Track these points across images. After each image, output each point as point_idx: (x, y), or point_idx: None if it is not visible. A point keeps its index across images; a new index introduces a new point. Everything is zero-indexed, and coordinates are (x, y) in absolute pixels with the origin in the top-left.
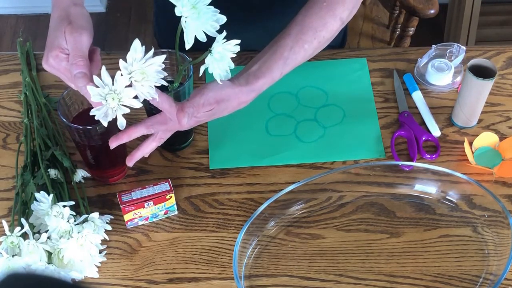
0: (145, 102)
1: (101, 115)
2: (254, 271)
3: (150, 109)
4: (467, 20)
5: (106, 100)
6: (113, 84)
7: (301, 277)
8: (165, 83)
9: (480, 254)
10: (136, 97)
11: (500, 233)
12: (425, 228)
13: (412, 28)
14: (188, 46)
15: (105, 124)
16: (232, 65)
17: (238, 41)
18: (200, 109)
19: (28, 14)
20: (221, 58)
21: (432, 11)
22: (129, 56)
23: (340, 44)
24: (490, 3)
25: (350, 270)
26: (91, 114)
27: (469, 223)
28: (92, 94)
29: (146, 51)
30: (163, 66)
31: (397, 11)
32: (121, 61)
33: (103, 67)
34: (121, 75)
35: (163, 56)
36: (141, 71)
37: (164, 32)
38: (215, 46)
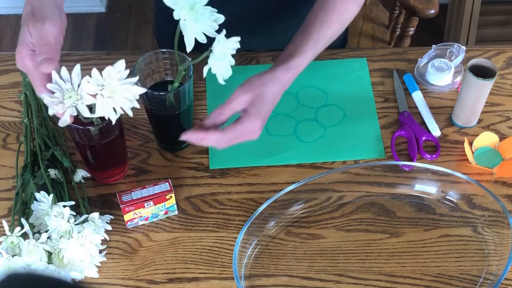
0: (145, 101)
1: (53, 103)
2: (254, 271)
3: (150, 109)
4: (467, 20)
5: (63, 96)
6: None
7: (301, 277)
8: (130, 113)
9: (480, 254)
10: (90, 109)
11: (500, 233)
12: (425, 228)
13: (412, 28)
14: (189, 48)
15: (50, 112)
16: (233, 62)
17: (238, 38)
18: (234, 101)
19: None
20: (223, 57)
21: (432, 11)
22: (106, 70)
23: (341, 44)
24: (490, 3)
25: (350, 270)
26: (43, 97)
27: (469, 223)
28: (52, 87)
29: (147, 52)
30: (137, 97)
31: (397, 11)
32: (94, 70)
33: (63, 68)
34: (88, 82)
35: (142, 89)
36: (112, 89)
37: (164, 32)
38: (216, 46)
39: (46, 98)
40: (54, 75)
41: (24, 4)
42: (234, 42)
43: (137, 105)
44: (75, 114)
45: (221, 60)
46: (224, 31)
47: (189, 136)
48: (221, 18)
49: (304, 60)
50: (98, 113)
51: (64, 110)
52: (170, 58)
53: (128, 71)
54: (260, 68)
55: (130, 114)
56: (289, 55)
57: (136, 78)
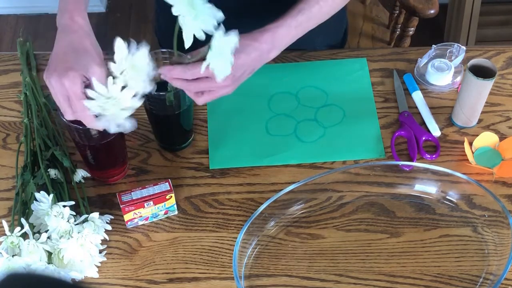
0: (145, 101)
1: (106, 124)
2: (254, 271)
3: (150, 109)
4: (467, 20)
5: (107, 109)
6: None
7: (301, 277)
8: (156, 72)
9: (480, 254)
10: (134, 96)
11: (500, 233)
12: (425, 228)
13: (412, 28)
14: (187, 44)
15: (113, 131)
16: (232, 61)
17: (236, 38)
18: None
19: (28, 14)
20: (221, 53)
21: (432, 11)
22: (116, 56)
23: (341, 44)
24: (490, 3)
25: (350, 270)
26: (92, 132)
27: (469, 223)
28: (91, 107)
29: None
30: (150, 56)
31: (397, 11)
32: (110, 64)
33: (93, 79)
34: (113, 78)
35: (147, 47)
36: (132, 64)
37: (165, 31)
38: (214, 42)
39: (96, 125)
40: (87, 102)
41: (63, 17)
42: (233, 38)
43: (154, 64)
44: (131, 113)
45: (220, 56)
46: (222, 27)
47: (162, 71)
48: (221, 16)
49: (282, 24)
50: (137, 90)
51: (119, 119)
52: (170, 58)
53: (126, 43)
54: (260, 67)
55: (158, 73)
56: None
57: (134, 43)
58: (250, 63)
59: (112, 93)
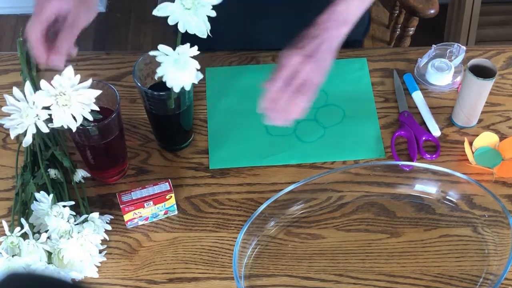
0: (145, 101)
1: (13, 125)
2: (254, 271)
3: (150, 109)
4: (467, 20)
5: (27, 115)
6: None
7: (301, 277)
8: (90, 117)
9: (480, 254)
10: (50, 120)
11: (500, 233)
12: (425, 228)
13: (412, 28)
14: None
15: (12, 136)
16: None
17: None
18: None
19: (28, 14)
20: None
21: (432, 11)
22: (55, 80)
23: (364, 33)
24: (490, 3)
25: (350, 270)
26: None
27: (469, 223)
28: (11, 126)
29: (147, 52)
30: (94, 100)
31: (397, 11)
32: (43, 82)
33: (14, 88)
34: (41, 95)
35: (98, 92)
36: (66, 97)
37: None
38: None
39: (6, 123)
40: (8, 97)
41: None
42: (193, 49)
43: (96, 108)
44: (34, 132)
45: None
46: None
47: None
48: (213, 14)
49: None
50: (56, 124)
51: (24, 130)
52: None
53: (78, 76)
54: (260, 67)
55: (91, 118)
56: None
57: (89, 82)
58: (326, 34)
59: (36, 104)
